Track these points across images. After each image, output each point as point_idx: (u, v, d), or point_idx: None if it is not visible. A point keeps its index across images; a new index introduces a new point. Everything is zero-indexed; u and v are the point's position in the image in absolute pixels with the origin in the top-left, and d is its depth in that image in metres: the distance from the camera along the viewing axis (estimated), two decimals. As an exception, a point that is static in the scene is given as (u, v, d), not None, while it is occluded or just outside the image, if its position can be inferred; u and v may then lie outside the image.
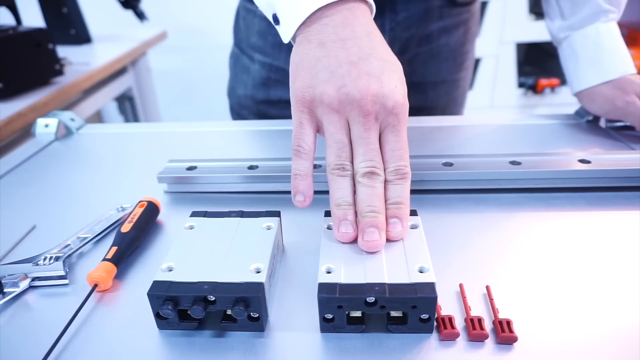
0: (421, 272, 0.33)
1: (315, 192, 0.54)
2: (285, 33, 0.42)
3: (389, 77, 0.38)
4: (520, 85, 2.27)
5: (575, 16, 0.65)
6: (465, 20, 0.75)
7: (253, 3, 0.69)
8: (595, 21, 0.64)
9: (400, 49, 0.72)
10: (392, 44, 0.71)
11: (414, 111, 0.80)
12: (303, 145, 0.39)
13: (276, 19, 0.43)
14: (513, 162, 0.51)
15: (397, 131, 0.38)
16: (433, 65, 0.76)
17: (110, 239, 0.43)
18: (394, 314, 0.33)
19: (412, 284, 0.32)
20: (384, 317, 0.33)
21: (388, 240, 0.36)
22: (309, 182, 0.39)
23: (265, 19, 0.71)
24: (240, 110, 0.82)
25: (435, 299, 0.31)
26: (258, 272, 0.34)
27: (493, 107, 2.29)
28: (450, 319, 0.33)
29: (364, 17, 0.40)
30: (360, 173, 0.37)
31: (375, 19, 0.69)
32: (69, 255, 0.42)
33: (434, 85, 0.78)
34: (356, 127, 0.38)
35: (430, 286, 0.31)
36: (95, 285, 0.38)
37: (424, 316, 0.32)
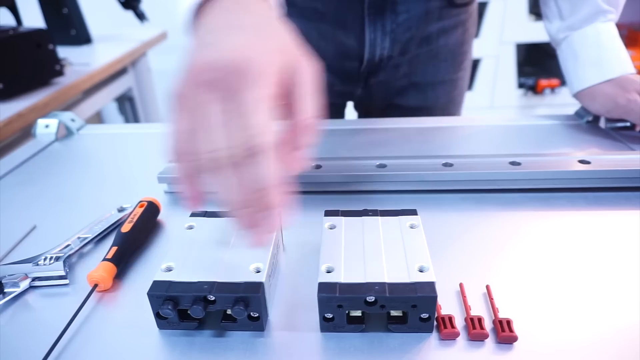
0: (421, 272, 0.33)
1: (315, 192, 0.54)
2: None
3: (227, 40, 0.30)
4: (520, 85, 2.28)
5: (574, 16, 0.65)
6: (463, 21, 0.75)
7: None
8: (594, 21, 0.64)
9: (400, 50, 0.72)
10: (392, 45, 0.71)
11: (414, 111, 0.80)
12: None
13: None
14: (513, 163, 0.51)
15: (236, 97, 0.29)
16: (432, 65, 0.76)
17: (111, 239, 0.43)
18: (394, 313, 0.33)
19: (412, 283, 0.32)
20: (384, 317, 0.33)
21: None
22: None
23: None
24: None
25: (435, 298, 0.31)
26: (258, 271, 0.34)
27: (493, 108, 2.29)
28: (450, 318, 0.33)
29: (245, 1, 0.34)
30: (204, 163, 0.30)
31: (375, 20, 0.69)
32: (69, 256, 0.42)
33: (433, 86, 0.78)
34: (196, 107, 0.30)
35: (430, 285, 0.31)
36: (96, 285, 0.38)
37: (424, 315, 0.32)
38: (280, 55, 0.31)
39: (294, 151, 0.32)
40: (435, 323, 0.34)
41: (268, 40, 0.31)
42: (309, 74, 0.32)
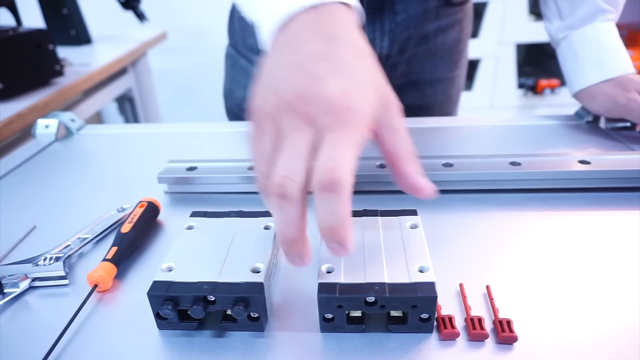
0: (421, 272, 0.33)
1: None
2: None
3: (331, 78, 0.30)
4: (520, 85, 2.28)
5: (573, 15, 0.65)
6: (459, 20, 0.76)
7: None
8: (594, 20, 0.64)
9: (399, 49, 0.73)
10: (391, 44, 0.71)
11: (413, 109, 0.81)
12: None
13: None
14: (513, 163, 0.51)
15: (334, 134, 0.29)
16: (430, 64, 0.77)
17: (111, 239, 0.43)
18: (394, 313, 0.33)
19: (412, 283, 0.32)
20: (384, 317, 0.33)
21: None
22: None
23: None
24: (239, 112, 0.82)
25: (435, 298, 0.31)
26: (258, 272, 0.34)
27: (493, 108, 2.29)
28: (451, 318, 0.33)
29: (336, 18, 0.33)
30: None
31: (374, 20, 0.70)
32: (69, 256, 0.42)
33: (430, 84, 0.79)
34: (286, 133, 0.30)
35: (430, 285, 0.31)
36: (96, 286, 0.38)
37: (424, 316, 0.32)
38: (376, 101, 0.31)
39: (410, 182, 0.32)
40: (435, 323, 0.34)
41: (366, 86, 0.31)
42: (398, 112, 0.33)
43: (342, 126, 0.29)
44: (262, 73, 0.33)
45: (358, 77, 0.31)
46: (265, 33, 0.35)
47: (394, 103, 0.33)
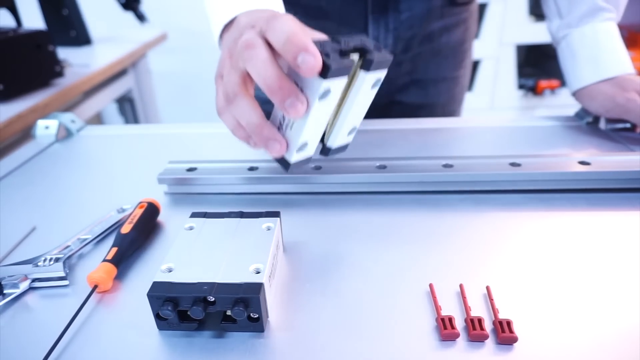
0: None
1: (316, 193, 0.54)
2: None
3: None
4: (520, 86, 2.28)
5: (572, 14, 0.65)
6: (464, 20, 0.76)
7: None
8: (593, 19, 0.64)
9: (403, 47, 0.73)
10: (395, 42, 0.72)
11: (416, 108, 0.81)
12: (230, 88, 0.38)
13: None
14: (513, 164, 0.51)
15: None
16: (434, 63, 0.77)
17: (111, 240, 0.43)
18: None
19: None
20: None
21: None
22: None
23: None
24: None
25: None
26: (258, 272, 0.34)
27: (493, 109, 2.29)
28: (451, 319, 0.33)
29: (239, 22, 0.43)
30: None
31: (379, 18, 0.70)
32: (69, 257, 0.42)
33: (435, 83, 0.79)
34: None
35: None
36: (96, 286, 0.38)
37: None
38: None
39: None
40: (435, 324, 0.34)
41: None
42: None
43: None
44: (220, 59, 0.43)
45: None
46: (216, 37, 0.48)
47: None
